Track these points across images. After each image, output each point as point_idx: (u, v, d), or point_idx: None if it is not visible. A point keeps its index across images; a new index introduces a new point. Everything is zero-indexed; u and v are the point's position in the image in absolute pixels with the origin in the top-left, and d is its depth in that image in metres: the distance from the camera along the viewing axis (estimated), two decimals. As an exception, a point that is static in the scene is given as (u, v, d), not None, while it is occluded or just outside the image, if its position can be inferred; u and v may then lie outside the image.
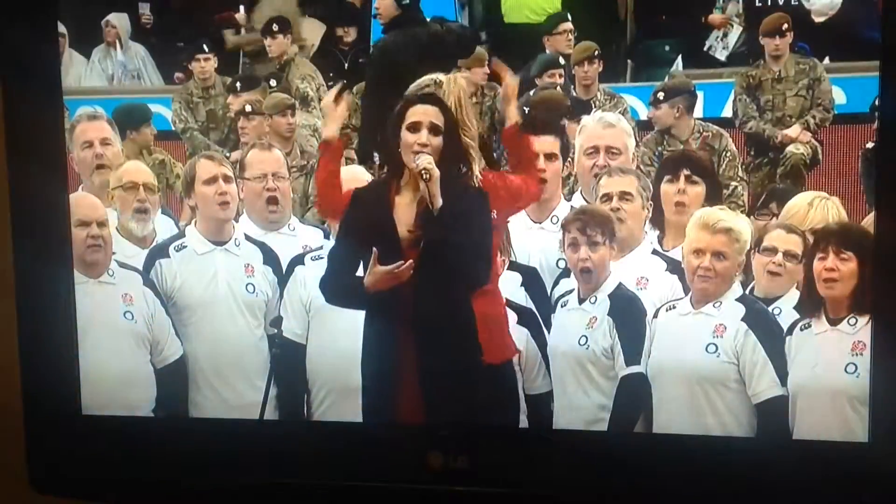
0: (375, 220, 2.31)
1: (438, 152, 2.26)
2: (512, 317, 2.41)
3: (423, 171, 2.23)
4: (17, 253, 2.29)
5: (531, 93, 2.67)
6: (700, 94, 2.62)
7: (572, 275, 2.44)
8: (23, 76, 2.26)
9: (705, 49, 2.76)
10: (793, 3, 2.56)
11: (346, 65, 2.86)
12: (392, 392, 2.33)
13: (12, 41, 2.23)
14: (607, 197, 2.44)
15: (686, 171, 2.45)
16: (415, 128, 2.26)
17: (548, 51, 2.72)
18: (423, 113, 2.27)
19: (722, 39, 2.76)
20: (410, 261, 2.25)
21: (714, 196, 2.45)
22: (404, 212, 2.30)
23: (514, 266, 2.45)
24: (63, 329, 2.36)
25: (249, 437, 2.42)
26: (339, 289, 2.36)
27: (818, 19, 2.54)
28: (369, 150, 2.53)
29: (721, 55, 2.76)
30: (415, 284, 2.26)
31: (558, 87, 2.66)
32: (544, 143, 2.47)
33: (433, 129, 2.26)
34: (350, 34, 2.86)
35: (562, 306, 2.44)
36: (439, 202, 2.24)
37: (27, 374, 2.33)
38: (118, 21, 2.77)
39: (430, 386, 2.31)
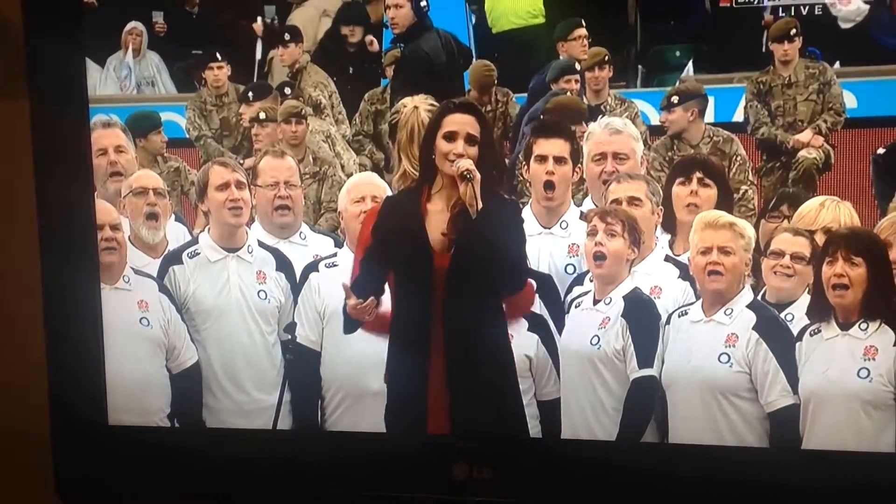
0: (406, 226, 2.29)
1: (475, 162, 2.23)
2: (522, 323, 2.41)
3: (465, 172, 2.20)
4: (44, 263, 2.32)
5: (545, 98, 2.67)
6: (711, 99, 2.62)
7: (586, 280, 2.43)
8: (49, 86, 2.29)
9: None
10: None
11: (352, 69, 2.86)
12: (418, 401, 2.32)
13: (38, 52, 2.26)
14: (616, 202, 2.42)
15: (699, 174, 2.44)
16: (451, 137, 2.24)
17: (562, 57, 2.72)
18: (459, 122, 2.25)
19: None
20: (372, 298, 2.28)
21: (725, 201, 2.43)
22: (436, 218, 2.29)
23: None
24: (90, 338, 2.38)
25: (273, 447, 2.45)
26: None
27: (844, 26, 2.53)
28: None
29: None
30: (445, 291, 2.26)
31: (570, 93, 2.65)
32: (554, 146, 2.45)
33: (469, 140, 2.24)
34: (356, 34, 2.85)
35: (576, 307, 2.43)
36: (480, 204, 2.21)
37: (55, 384, 2.35)
38: (143, 28, 2.80)
39: (457, 395, 2.30)
